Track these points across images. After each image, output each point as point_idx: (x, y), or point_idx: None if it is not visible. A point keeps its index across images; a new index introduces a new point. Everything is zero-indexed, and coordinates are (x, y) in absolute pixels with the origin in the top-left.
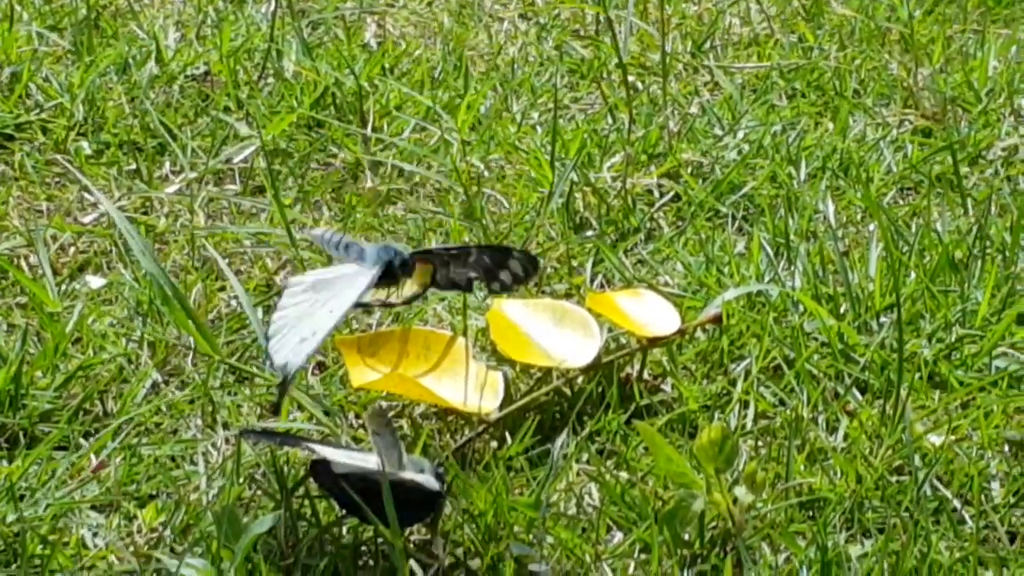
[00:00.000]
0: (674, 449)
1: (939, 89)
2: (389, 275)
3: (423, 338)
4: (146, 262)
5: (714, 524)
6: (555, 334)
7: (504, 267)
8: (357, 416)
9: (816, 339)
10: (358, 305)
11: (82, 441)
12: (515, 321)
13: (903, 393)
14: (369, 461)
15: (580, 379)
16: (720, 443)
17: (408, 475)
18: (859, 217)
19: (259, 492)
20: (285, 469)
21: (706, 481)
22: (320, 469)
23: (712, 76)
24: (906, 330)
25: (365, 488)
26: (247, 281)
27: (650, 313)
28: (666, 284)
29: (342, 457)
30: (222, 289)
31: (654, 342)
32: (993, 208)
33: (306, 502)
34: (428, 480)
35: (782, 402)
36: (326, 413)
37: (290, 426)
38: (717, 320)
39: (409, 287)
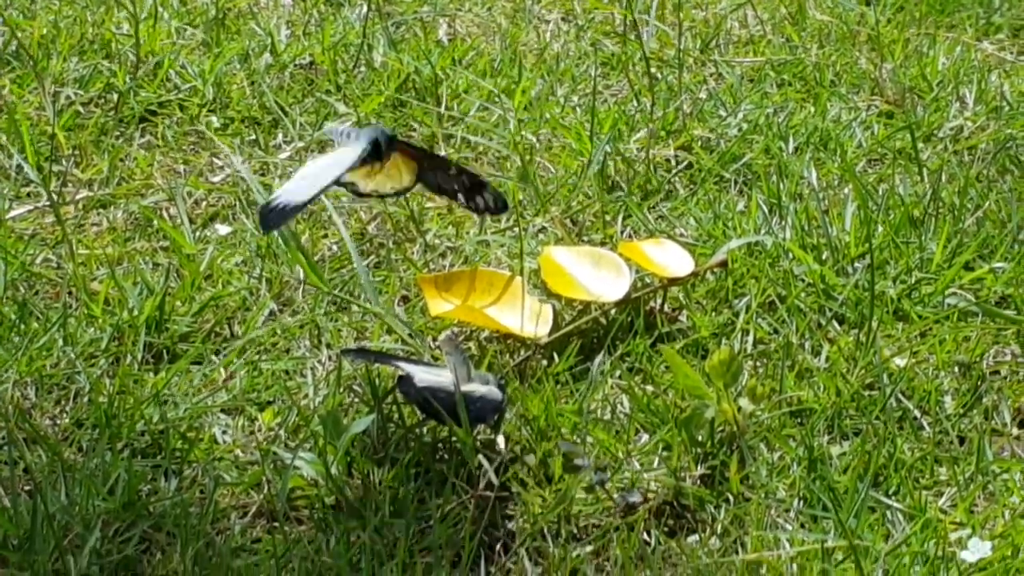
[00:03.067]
0: (690, 368)
1: (899, 80)
2: (375, 155)
3: (488, 277)
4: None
5: (722, 428)
6: (594, 275)
7: (479, 194)
8: (434, 339)
9: (803, 280)
10: (351, 187)
11: (213, 358)
12: (561, 264)
13: (874, 324)
14: (444, 376)
15: (613, 311)
16: (728, 363)
17: (476, 387)
18: (836, 182)
19: (356, 400)
20: (377, 382)
21: (716, 394)
22: (405, 383)
23: (717, 68)
24: (875, 274)
25: (442, 398)
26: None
27: (670, 258)
28: (681, 235)
29: (423, 373)
30: (324, 236)
31: (673, 282)
32: (944, 177)
33: (394, 408)
34: (492, 391)
35: (776, 331)
36: (411, 335)
37: (381, 347)
38: (723, 264)
39: (395, 177)
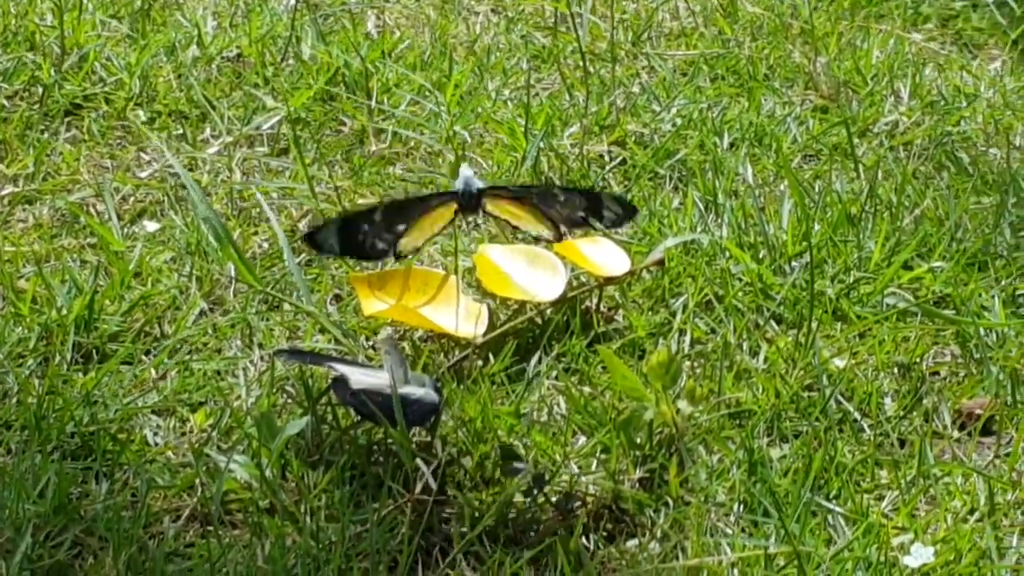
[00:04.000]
0: (628, 369)
1: (834, 74)
2: (468, 204)
3: (422, 276)
4: (202, 206)
5: (660, 430)
6: (529, 273)
7: (603, 207)
8: (367, 338)
9: (740, 280)
10: None
11: (144, 358)
12: (496, 262)
13: (813, 326)
14: (380, 377)
15: (549, 311)
16: (667, 364)
17: (412, 389)
18: (772, 179)
19: (289, 401)
20: (311, 382)
21: (655, 396)
22: (339, 385)
23: (649, 61)
24: (813, 273)
25: (378, 400)
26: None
27: (606, 257)
28: (617, 232)
29: (358, 374)
30: (255, 233)
31: (609, 281)
32: (880, 174)
33: (329, 409)
34: (428, 393)
35: (713, 331)
36: (344, 335)
37: (314, 346)
38: (660, 263)
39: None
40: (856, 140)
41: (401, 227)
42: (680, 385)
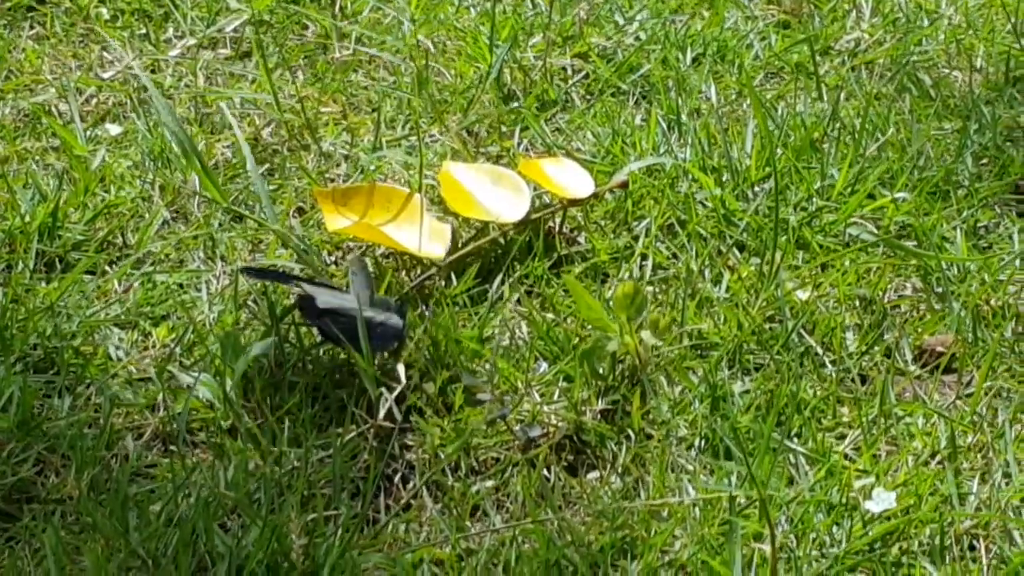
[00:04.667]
0: (592, 298)
1: None
2: None
3: (386, 193)
4: (168, 118)
5: (623, 360)
6: (493, 193)
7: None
8: (330, 254)
9: (703, 205)
10: None
11: (107, 268)
12: (460, 181)
13: (777, 257)
14: (346, 299)
15: (512, 232)
16: (632, 296)
17: (377, 312)
18: (734, 97)
19: (252, 318)
20: (274, 299)
21: (619, 326)
22: (306, 305)
23: None
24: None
25: (343, 322)
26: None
27: (569, 178)
28: (579, 150)
29: (324, 295)
30: (218, 141)
31: (573, 203)
32: (843, 95)
33: (292, 329)
34: (392, 317)
35: (675, 256)
36: (305, 251)
37: (276, 261)
38: (624, 185)
39: None
40: (818, 58)
41: None
42: (644, 316)
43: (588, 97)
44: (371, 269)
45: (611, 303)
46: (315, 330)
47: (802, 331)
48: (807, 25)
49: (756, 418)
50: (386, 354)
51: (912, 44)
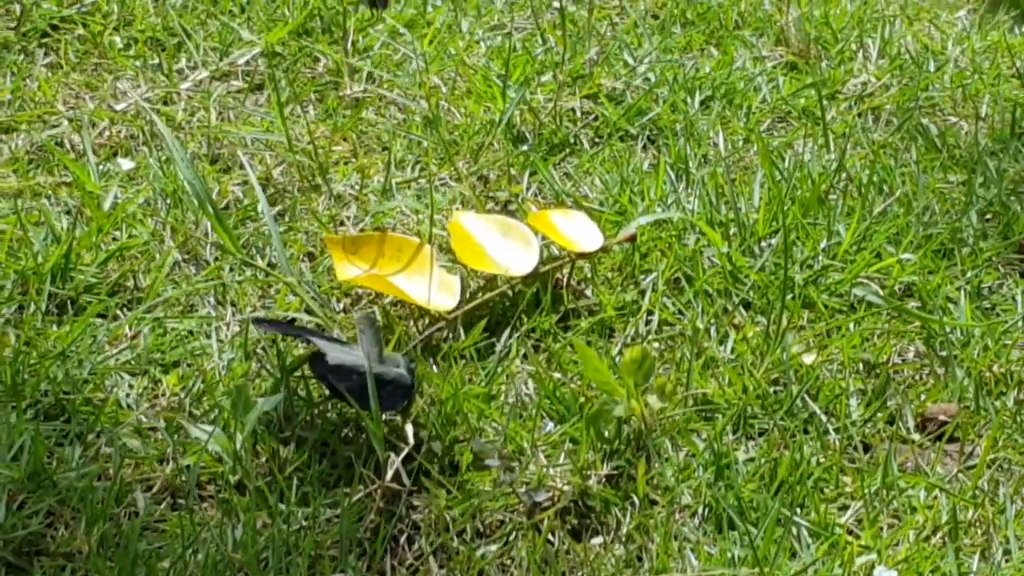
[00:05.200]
0: (601, 361)
1: (805, 29)
2: None
3: (396, 243)
4: (183, 168)
5: (628, 422)
6: (502, 245)
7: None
8: (338, 300)
9: (710, 260)
10: None
11: (119, 312)
12: (470, 231)
13: (784, 321)
14: (355, 355)
15: (520, 284)
16: (640, 361)
17: (387, 369)
18: (741, 143)
19: (261, 367)
20: (283, 348)
21: (627, 392)
22: (315, 361)
23: (620, 2)
24: (783, 257)
25: (353, 380)
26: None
27: (578, 231)
28: (586, 197)
29: (334, 351)
30: (231, 180)
31: (581, 256)
32: (849, 145)
33: (301, 382)
34: (402, 375)
35: (681, 313)
36: (315, 300)
37: (287, 307)
38: (631, 239)
39: None
40: (825, 103)
41: None
42: (651, 381)
43: (597, 140)
44: (379, 318)
45: (618, 365)
46: (326, 388)
47: (806, 396)
48: (815, 67)
49: (760, 487)
50: (396, 414)
51: (919, 90)
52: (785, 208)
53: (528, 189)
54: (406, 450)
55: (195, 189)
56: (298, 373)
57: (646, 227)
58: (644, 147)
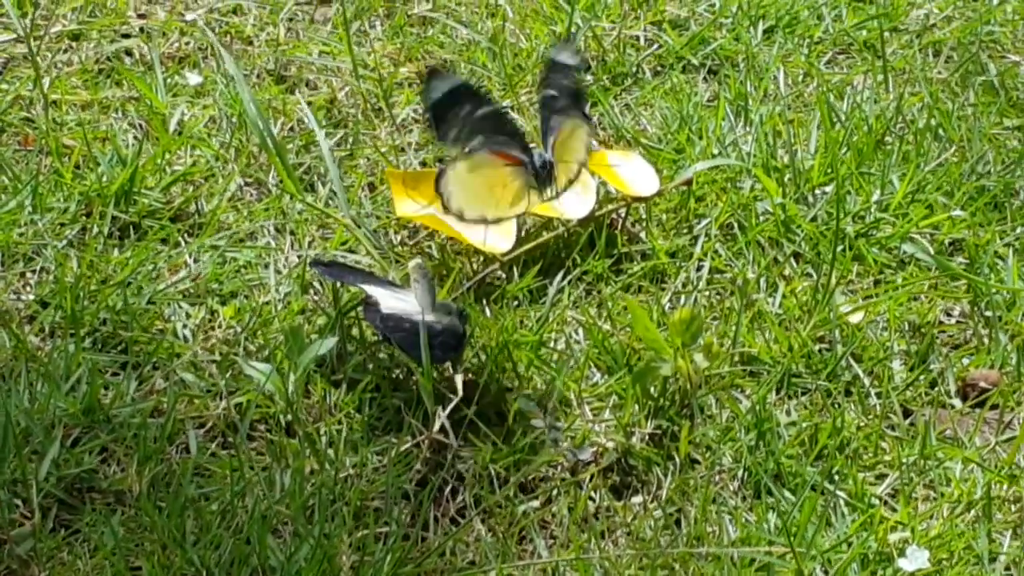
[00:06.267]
0: (650, 320)
1: None
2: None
3: None
4: (249, 107)
5: (675, 378)
6: None
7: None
8: (396, 232)
9: (763, 206)
10: None
11: (180, 240)
12: None
13: (833, 280)
14: (409, 302)
15: (575, 226)
16: (689, 322)
17: (439, 318)
18: (801, 78)
19: (317, 305)
20: (340, 291)
21: (674, 351)
22: (370, 309)
23: None
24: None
25: (405, 328)
26: (316, 96)
27: (636, 174)
28: (645, 131)
29: (388, 297)
30: (297, 103)
31: (637, 200)
32: (907, 91)
33: (356, 323)
34: (454, 323)
35: (732, 261)
36: (376, 247)
37: (342, 252)
38: (688, 183)
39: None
40: (887, 35)
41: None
42: (699, 341)
43: (660, 69)
44: (435, 255)
45: (667, 318)
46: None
47: (851, 358)
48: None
49: (800, 453)
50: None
51: (980, 23)
52: (841, 154)
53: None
54: (453, 402)
55: (258, 126)
56: (352, 314)
57: (702, 171)
58: (705, 79)
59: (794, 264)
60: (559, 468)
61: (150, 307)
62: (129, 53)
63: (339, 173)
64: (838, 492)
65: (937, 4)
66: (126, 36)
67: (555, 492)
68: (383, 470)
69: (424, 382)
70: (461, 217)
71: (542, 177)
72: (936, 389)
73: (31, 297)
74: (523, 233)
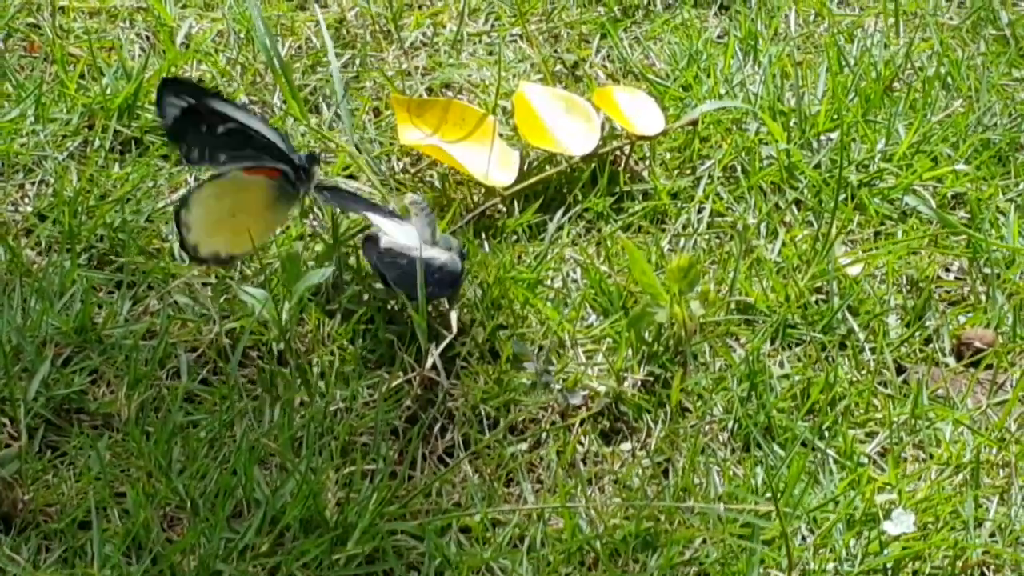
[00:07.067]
0: (647, 264)
1: None
2: None
3: (460, 111)
4: (260, 31)
5: (671, 324)
6: (564, 123)
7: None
8: (399, 159)
9: (769, 152)
10: None
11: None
12: (535, 105)
13: (834, 230)
14: (409, 234)
15: (578, 162)
16: (687, 269)
17: (438, 253)
18: (812, 19)
19: (316, 231)
20: (338, 217)
21: (671, 297)
22: (368, 241)
23: None
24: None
25: (403, 264)
26: (326, 15)
27: (641, 111)
28: (653, 66)
29: (388, 226)
30: (304, 8)
31: (641, 138)
32: (918, 33)
33: (352, 251)
34: (453, 260)
35: (733, 206)
36: (375, 173)
37: (345, 176)
38: (693, 123)
39: None
40: None
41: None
42: (696, 289)
43: (671, 2)
44: (436, 185)
45: (665, 262)
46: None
47: (846, 311)
48: None
49: (792, 408)
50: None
51: None
52: (848, 100)
53: (597, 53)
54: (447, 339)
55: (265, 46)
56: (351, 243)
57: (708, 111)
58: (716, 14)
59: (795, 211)
60: (549, 411)
61: (148, 225)
62: None
63: (346, 98)
64: (828, 450)
65: None
66: None
67: (544, 436)
68: (373, 405)
69: (418, 319)
70: (196, 253)
71: (301, 178)
72: (931, 346)
73: (29, 209)
74: (526, 166)
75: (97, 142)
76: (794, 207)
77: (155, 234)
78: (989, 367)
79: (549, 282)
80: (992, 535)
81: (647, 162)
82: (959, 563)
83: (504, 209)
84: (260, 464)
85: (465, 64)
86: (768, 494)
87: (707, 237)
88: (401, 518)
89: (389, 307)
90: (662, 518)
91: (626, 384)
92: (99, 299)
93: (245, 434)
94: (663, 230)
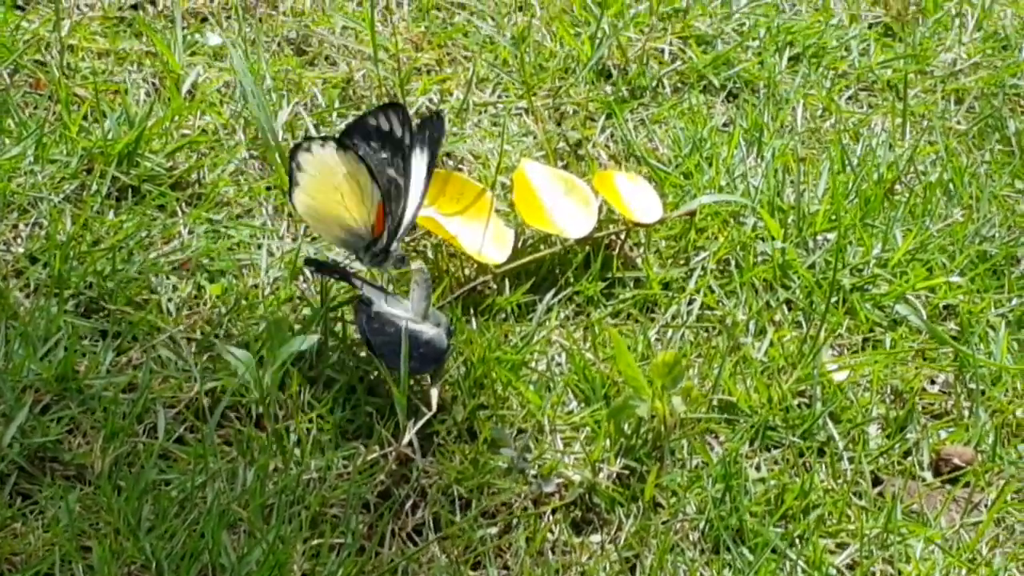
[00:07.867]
0: (632, 357)
1: None
2: None
3: (459, 185)
4: (258, 113)
5: (649, 420)
6: (562, 204)
7: None
8: None
9: (764, 248)
10: None
11: (177, 209)
12: (534, 184)
13: (822, 335)
14: (399, 307)
15: (573, 244)
16: (672, 365)
17: (426, 328)
18: (820, 113)
19: (305, 296)
20: (326, 287)
21: (653, 392)
22: (360, 307)
23: None
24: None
25: (390, 333)
26: (335, 75)
27: (640, 199)
28: (656, 150)
29: (381, 301)
30: (313, 80)
31: (638, 226)
32: (923, 140)
33: (339, 320)
34: (439, 336)
35: (724, 300)
36: None
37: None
38: (691, 214)
39: None
40: (912, 76)
41: None
42: (679, 385)
43: (680, 86)
44: (428, 256)
45: (651, 356)
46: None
47: (828, 417)
48: (911, 30)
49: (765, 512)
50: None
51: (1005, 73)
52: (848, 202)
53: (601, 133)
54: (427, 416)
55: (262, 125)
56: (338, 313)
57: (707, 203)
58: (723, 101)
59: (786, 311)
60: (522, 496)
61: (139, 276)
62: (154, 2)
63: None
64: (798, 560)
65: (967, 49)
66: None
67: (515, 521)
68: (347, 477)
69: (398, 395)
70: None
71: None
72: (909, 459)
73: (21, 250)
74: (520, 244)
75: (94, 187)
76: (785, 307)
77: (144, 285)
78: (966, 485)
79: (534, 364)
80: None
81: (642, 249)
82: None
83: (495, 286)
84: (229, 529)
85: (468, 135)
86: None
87: (695, 330)
88: None
89: (372, 377)
90: None
91: (601, 475)
92: (83, 347)
93: (217, 497)
94: (652, 319)
